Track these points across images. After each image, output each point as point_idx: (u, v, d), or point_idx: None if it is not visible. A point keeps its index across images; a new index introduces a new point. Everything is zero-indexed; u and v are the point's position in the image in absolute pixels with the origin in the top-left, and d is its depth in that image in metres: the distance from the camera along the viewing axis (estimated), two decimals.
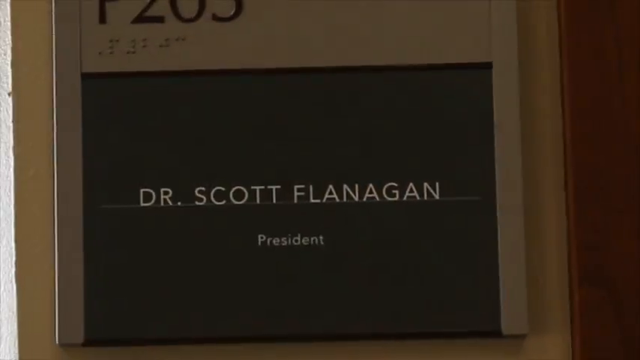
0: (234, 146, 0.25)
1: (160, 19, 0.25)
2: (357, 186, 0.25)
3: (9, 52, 0.25)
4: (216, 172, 0.25)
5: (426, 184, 0.25)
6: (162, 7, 0.25)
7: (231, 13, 0.25)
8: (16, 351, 0.26)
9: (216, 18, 0.25)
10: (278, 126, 0.25)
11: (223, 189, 0.25)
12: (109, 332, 0.25)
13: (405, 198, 0.25)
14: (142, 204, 0.25)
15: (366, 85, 0.25)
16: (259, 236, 0.25)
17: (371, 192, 0.25)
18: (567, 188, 0.26)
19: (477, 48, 0.25)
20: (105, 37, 0.25)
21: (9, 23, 0.26)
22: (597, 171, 0.25)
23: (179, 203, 0.25)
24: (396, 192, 0.25)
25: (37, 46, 0.25)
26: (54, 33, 0.25)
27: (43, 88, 0.24)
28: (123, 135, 0.25)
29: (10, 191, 0.25)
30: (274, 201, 0.25)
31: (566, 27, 0.25)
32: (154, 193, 0.24)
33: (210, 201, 0.25)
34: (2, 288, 0.25)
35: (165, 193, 0.25)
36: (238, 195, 0.25)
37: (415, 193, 0.25)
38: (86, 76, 0.24)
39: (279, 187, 0.25)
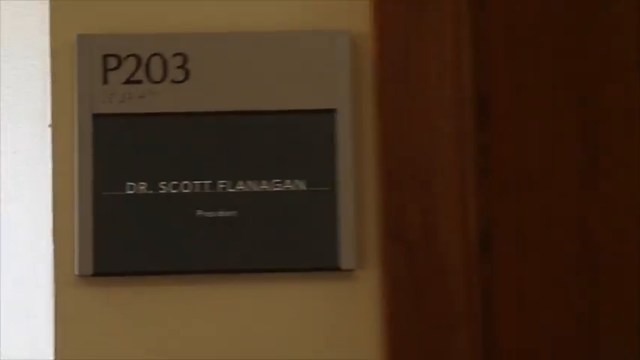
0: (185, 157, 0.42)
1: (139, 82, 0.42)
2: (255, 181, 0.42)
3: (49, 101, 0.42)
4: (173, 173, 0.42)
5: (296, 181, 0.42)
6: (140, 75, 0.42)
7: (182, 78, 0.42)
8: (52, 280, 0.42)
9: (173, 81, 0.42)
10: (210, 146, 0.42)
11: (177, 183, 0.42)
12: (110, 267, 0.41)
13: (284, 188, 0.42)
14: (127, 192, 0.42)
15: (253, 122, 0.42)
16: (197, 211, 0.42)
17: (264, 185, 0.42)
18: (379, 183, 0.43)
19: (323, 96, 0.43)
20: (106, 92, 0.42)
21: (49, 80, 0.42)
22: (395, 175, 0.43)
23: (150, 191, 0.42)
24: (280, 185, 0.42)
25: (64, 97, 0.42)
26: (76, 89, 0.42)
27: (71, 123, 0.41)
28: (115, 149, 0.42)
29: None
30: (207, 190, 0.42)
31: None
32: (134, 185, 0.41)
33: (169, 190, 0.42)
34: (45, 242, 0.42)
35: (141, 185, 0.41)
36: (186, 186, 0.42)
37: (290, 186, 0.42)
38: (95, 116, 0.41)
39: (210, 182, 0.42)
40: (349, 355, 0.41)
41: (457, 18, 0.41)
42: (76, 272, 0.40)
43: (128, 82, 0.41)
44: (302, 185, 0.42)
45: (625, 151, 0.42)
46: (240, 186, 0.42)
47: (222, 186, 0.41)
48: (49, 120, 0.41)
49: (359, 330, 0.42)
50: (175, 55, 0.41)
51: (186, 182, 0.41)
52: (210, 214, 0.41)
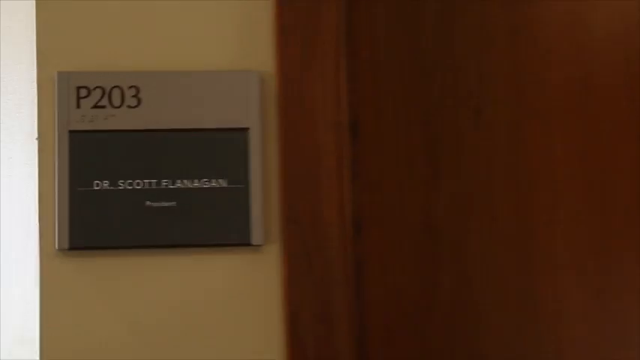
0: (137, 162, 0.57)
1: (104, 107, 0.56)
2: (189, 180, 0.57)
3: (36, 120, 0.56)
4: (128, 174, 0.57)
5: (220, 179, 0.57)
6: (104, 102, 0.56)
7: (135, 104, 0.57)
8: (37, 255, 0.57)
9: (128, 107, 0.57)
10: (155, 153, 0.57)
11: (131, 181, 0.57)
12: (82, 243, 0.55)
13: (210, 185, 0.57)
14: (94, 187, 0.56)
15: (188, 136, 0.57)
16: (147, 202, 0.57)
17: (196, 183, 0.57)
18: (280, 182, 0.59)
19: (239, 118, 0.58)
20: (79, 114, 0.56)
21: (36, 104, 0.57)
22: (292, 176, 0.59)
23: (111, 187, 0.57)
24: (207, 182, 0.57)
25: (47, 117, 0.57)
26: (56, 112, 0.56)
27: (52, 137, 0.56)
28: (85, 156, 0.56)
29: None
30: (154, 186, 0.57)
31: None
32: (99, 182, 0.56)
33: (125, 186, 0.57)
34: (32, 224, 0.56)
35: (105, 182, 0.56)
36: (138, 184, 0.57)
37: (215, 183, 0.57)
38: (71, 132, 0.56)
39: (156, 180, 0.57)
40: (259, 306, 0.57)
41: (337, 62, 0.57)
42: (56, 247, 0.55)
43: (95, 107, 0.56)
44: (224, 183, 0.57)
45: (459, 159, 0.59)
46: (178, 183, 0.57)
47: (164, 183, 0.56)
48: (36, 134, 0.56)
49: (265, 289, 0.57)
50: (130, 87, 0.56)
51: (138, 180, 0.56)
52: (155, 204, 0.56)
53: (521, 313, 0.60)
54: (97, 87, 0.56)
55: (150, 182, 0.56)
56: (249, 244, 0.56)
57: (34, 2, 0.56)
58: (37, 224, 0.55)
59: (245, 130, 0.57)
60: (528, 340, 0.59)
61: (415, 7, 0.60)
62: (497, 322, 0.60)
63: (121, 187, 0.56)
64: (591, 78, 0.62)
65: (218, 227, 0.57)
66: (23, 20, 0.57)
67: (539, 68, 0.62)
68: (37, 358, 0.54)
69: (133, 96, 0.56)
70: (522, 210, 0.60)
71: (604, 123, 0.62)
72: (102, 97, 0.56)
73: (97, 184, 0.56)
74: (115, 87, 0.56)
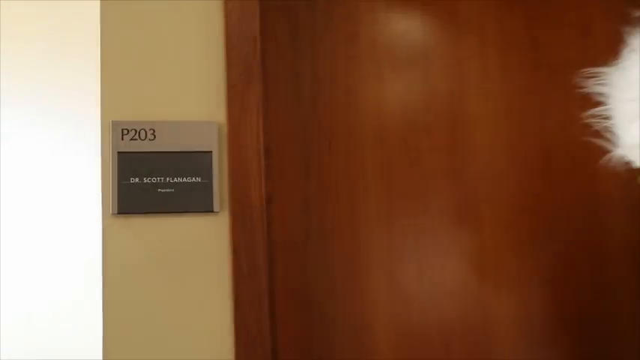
0: (153, 168, 1.10)
1: (135, 139, 1.09)
2: (181, 177, 1.11)
3: (100, 144, 1.08)
4: (149, 174, 1.10)
5: (197, 177, 1.12)
6: (135, 136, 1.08)
7: (153, 138, 1.10)
8: (101, 215, 1.08)
9: (149, 139, 1.09)
10: (163, 164, 1.11)
11: (150, 178, 1.10)
12: (126, 209, 1.08)
13: (191, 180, 1.11)
14: (130, 181, 1.09)
15: (183, 156, 1.11)
16: (158, 189, 1.09)
17: (185, 179, 1.11)
18: (230, 178, 1.13)
19: (207, 145, 1.12)
20: (122, 143, 1.08)
21: (99, 137, 1.08)
22: (237, 175, 1.13)
23: (139, 181, 1.09)
24: (189, 179, 1.11)
25: (106, 144, 1.08)
26: (111, 141, 1.08)
27: (108, 154, 1.07)
28: (126, 165, 1.08)
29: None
30: (162, 181, 1.10)
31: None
32: (133, 178, 1.08)
33: (147, 180, 1.09)
34: (96, 199, 1.07)
35: (136, 179, 1.09)
36: (154, 179, 1.10)
37: (195, 179, 1.11)
38: (119, 152, 1.07)
39: (162, 177, 1.10)
40: (218, 242, 1.11)
41: (257, 116, 1.12)
42: (110, 212, 1.07)
43: (131, 139, 1.08)
44: (199, 179, 1.11)
45: (321, 168, 1.17)
46: (175, 179, 1.10)
47: (168, 179, 1.09)
48: (101, 155, 1.08)
49: (221, 235, 1.11)
50: (150, 129, 1.09)
51: (153, 178, 1.09)
52: (163, 190, 1.09)
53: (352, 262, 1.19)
54: (132, 129, 1.09)
55: (159, 178, 1.09)
56: (212, 211, 1.11)
57: (100, 78, 1.08)
58: (101, 199, 1.07)
59: (210, 152, 1.11)
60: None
61: (297, 88, 1.18)
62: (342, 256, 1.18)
63: (144, 181, 1.09)
64: (390, 123, 1.22)
65: (197, 202, 1.11)
66: (93, 92, 1.09)
67: (363, 116, 1.21)
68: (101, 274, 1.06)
69: (151, 133, 1.09)
70: (352, 197, 1.19)
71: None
72: (135, 134, 1.09)
73: (132, 180, 1.08)
74: (141, 129, 1.09)
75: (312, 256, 1.17)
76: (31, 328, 1.14)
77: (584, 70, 0.88)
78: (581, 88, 0.91)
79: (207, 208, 1.09)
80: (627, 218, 0.87)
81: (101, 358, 1.01)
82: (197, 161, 1.10)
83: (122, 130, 1.08)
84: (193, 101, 1.11)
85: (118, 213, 1.06)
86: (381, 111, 1.21)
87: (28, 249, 1.18)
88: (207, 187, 1.10)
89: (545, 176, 1.17)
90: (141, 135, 1.08)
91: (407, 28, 1.20)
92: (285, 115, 1.18)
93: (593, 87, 0.89)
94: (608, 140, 0.89)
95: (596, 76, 0.88)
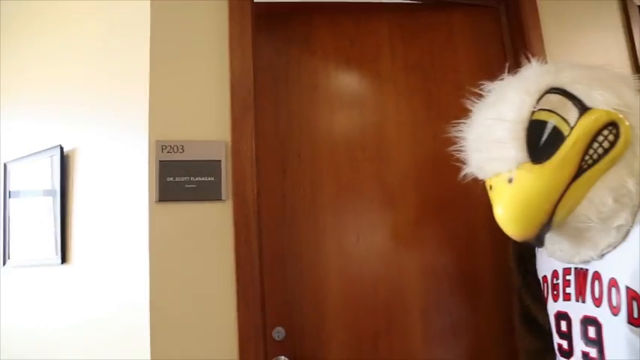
0: (183, 171, 1.66)
1: (170, 152, 1.64)
2: (200, 177, 1.67)
3: (147, 157, 1.62)
4: (180, 174, 1.65)
5: (210, 177, 1.68)
6: (172, 150, 1.64)
7: (182, 151, 1.65)
8: (147, 202, 1.61)
9: (179, 152, 1.65)
10: (190, 168, 1.67)
11: (180, 177, 1.65)
12: (165, 198, 1.63)
13: (207, 179, 1.67)
14: (167, 180, 1.63)
15: (197, 163, 1.68)
16: (186, 185, 1.65)
17: (203, 178, 1.67)
18: (233, 178, 1.70)
19: (217, 155, 1.69)
20: (162, 154, 1.63)
21: (147, 153, 1.62)
22: (238, 176, 1.70)
23: (173, 180, 1.64)
24: (207, 178, 1.68)
25: (152, 156, 1.63)
26: (155, 153, 1.62)
27: (154, 163, 1.62)
28: (165, 169, 1.63)
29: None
30: (188, 180, 1.66)
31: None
32: (170, 178, 1.63)
33: (178, 179, 1.65)
34: (144, 191, 1.60)
35: (171, 178, 1.64)
36: (182, 179, 1.65)
37: (209, 178, 1.67)
38: (160, 161, 1.62)
39: (188, 177, 1.66)
40: (224, 223, 1.67)
41: (251, 136, 1.70)
42: (155, 199, 1.61)
43: (167, 152, 1.63)
44: (212, 179, 1.67)
45: (293, 173, 1.76)
46: (197, 178, 1.66)
47: (191, 179, 1.65)
48: (148, 162, 1.62)
49: (226, 217, 1.67)
50: (180, 145, 1.65)
51: (183, 177, 1.64)
52: (189, 186, 1.64)
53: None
54: (168, 145, 1.64)
55: (186, 178, 1.64)
56: (221, 200, 1.67)
57: (148, 111, 1.63)
58: (148, 191, 1.61)
59: (220, 160, 1.68)
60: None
61: (277, 119, 1.77)
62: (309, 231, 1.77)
63: (176, 180, 1.64)
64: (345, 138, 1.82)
65: (211, 194, 1.66)
66: (142, 113, 1.64)
67: (325, 135, 1.80)
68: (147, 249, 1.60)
69: (181, 148, 1.65)
70: (313, 190, 1.78)
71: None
72: (170, 149, 1.64)
73: (168, 179, 1.63)
74: (175, 145, 1.64)
75: (287, 230, 1.74)
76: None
77: (459, 112, 1.26)
78: (456, 122, 1.20)
79: (217, 198, 1.58)
80: (487, 202, 1.38)
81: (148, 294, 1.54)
82: (211, 167, 1.66)
83: (162, 146, 1.62)
84: (209, 127, 1.67)
85: (159, 201, 1.60)
86: (332, 134, 1.81)
87: (101, 223, 1.71)
88: (217, 184, 1.65)
89: (434, 176, 1.77)
90: (174, 149, 1.64)
91: (349, 82, 1.81)
92: (269, 137, 1.76)
93: (459, 127, 1.18)
94: (463, 162, 1.18)
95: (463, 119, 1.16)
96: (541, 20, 1.89)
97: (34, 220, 1.87)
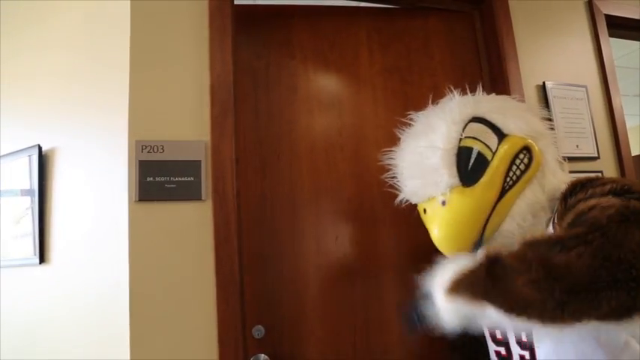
0: (163, 171, 1.67)
1: (150, 152, 1.65)
2: (180, 177, 1.69)
3: (127, 156, 1.63)
4: (159, 174, 1.67)
5: (190, 177, 1.70)
6: (151, 150, 1.65)
7: (162, 151, 1.67)
8: (127, 201, 1.62)
9: (159, 152, 1.66)
10: (170, 169, 1.69)
11: (160, 177, 1.66)
12: (145, 197, 1.64)
13: (187, 179, 1.69)
14: (147, 180, 1.65)
15: (177, 163, 1.69)
16: (165, 185, 1.67)
17: (183, 178, 1.69)
18: (212, 177, 1.72)
19: (198, 155, 1.71)
20: (141, 154, 1.64)
21: (127, 154, 1.64)
22: (217, 175, 1.72)
23: (153, 179, 1.66)
24: (186, 178, 1.69)
25: (132, 156, 1.64)
26: (135, 153, 1.63)
27: (134, 162, 1.63)
28: (145, 170, 1.65)
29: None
30: (168, 179, 1.67)
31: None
32: (150, 177, 1.64)
33: (157, 179, 1.66)
34: (124, 190, 1.61)
35: (150, 178, 1.65)
36: (162, 178, 1.67)
37: (189, 178, 1.69)
38: (139, 160, 1.63)
39: (168, 177, 1.67)
40: (203, 221, 1.69)
41: (230, 138, 1.72)
42: (134, 199, 1.62)
43: (148, 152, 1.64)
44: (192, 178, 1.68)
45: (272, 172, 1.79)
46: (177, 178, 1.67)
47: (171, 179, 1.67)
48: (128, 162, 1.63)
49: (205, 215, 1.69)
50: (160, 145, 1.66)
51: (163, 177, 1.66)
52: (169, 185, 1.66)
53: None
54: (148, 145, 1.65)
55: (166, 178, 1.66)
56: (201, 199, 1.69)
57: (128, 111, 1.64)
58: (127, 191, 1.62)
59: (200, 161, 1.69)
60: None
61: (257, 120, 1.79)
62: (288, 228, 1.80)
63: (157, 179, 1.65)
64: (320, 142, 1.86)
65: (191, 193, 1.68)
66: (122, 113, 1.65)
67: (301, 137, 1.84)
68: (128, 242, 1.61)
69: (161, 148, 1.66)
70: (292, 190, 1.81)
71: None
72: (150, 148, 1.65)
73: (148, 178, 1.64)
74: (154, 145, 1.66)
75: (267, 229, 1.77)
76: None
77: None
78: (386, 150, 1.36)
79: (197, 197, 1.60)
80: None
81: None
82: (191, 167, 1.68)
83: (142, 146, 1.64)
84: (189, 127, 1.69)
85: (139, 200, 1.61)
86: (311, 135, 1.85)
87: (80, 222, 1.72)
88: (197, 184, 1.67)
89: None
90: (154, 149, 1.65)
91: (327, 84, 1.85)
92: (249, 137, 1.79)
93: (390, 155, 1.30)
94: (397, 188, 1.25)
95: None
96: (514, 26, 1.96)
97: (11, 219, 1.86)
